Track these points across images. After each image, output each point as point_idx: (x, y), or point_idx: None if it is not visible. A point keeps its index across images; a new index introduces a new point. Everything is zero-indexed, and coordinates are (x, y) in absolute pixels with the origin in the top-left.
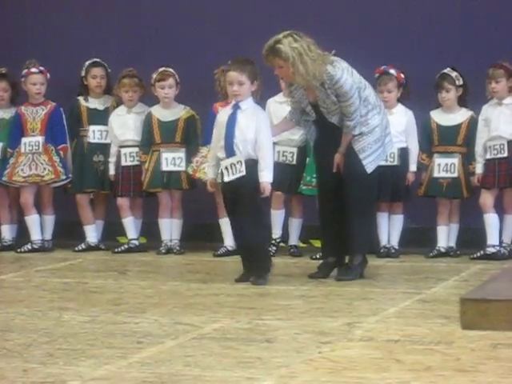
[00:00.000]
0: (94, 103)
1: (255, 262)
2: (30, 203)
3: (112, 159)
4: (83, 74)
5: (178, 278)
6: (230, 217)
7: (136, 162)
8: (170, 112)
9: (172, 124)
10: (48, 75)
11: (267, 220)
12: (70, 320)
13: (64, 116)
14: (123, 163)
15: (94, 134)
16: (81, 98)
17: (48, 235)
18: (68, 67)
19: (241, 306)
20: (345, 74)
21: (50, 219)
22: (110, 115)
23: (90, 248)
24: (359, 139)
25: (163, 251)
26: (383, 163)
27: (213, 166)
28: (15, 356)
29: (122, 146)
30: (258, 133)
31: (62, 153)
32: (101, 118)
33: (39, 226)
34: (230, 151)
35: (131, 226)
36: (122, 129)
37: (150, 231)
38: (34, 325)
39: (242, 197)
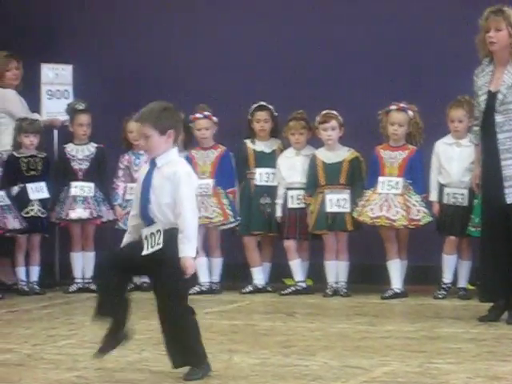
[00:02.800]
0: (261, 146)
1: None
2: (199, 246)
3: (279, 201)
4: (249, 117)
5: (345, 321)
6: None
7: (302, 205)
8: (335, 154)
9: (336, 166)
10: (214, 119)
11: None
12: (240, 362)
13: (233, 160)
14: (290, 205)
15: (261, 176)
16: (248, 141)
17: (216, 277)
18: (236, 111)
19: (410, 349)
20: None
21: (217, 261)
22: (276, 158)
23: (258, 290)
24: None
25: (330, 293)
26: None
27: (128, 233)
28: None
29: (289, 188)
30: (175, 194)
31: (231, 196)
32: (267, 160)
33: (207, 268)
34: (147, 218)
35: (298, 268)
36: (289, 171)
37: (316, 273)
38: None
39: (160, 275)
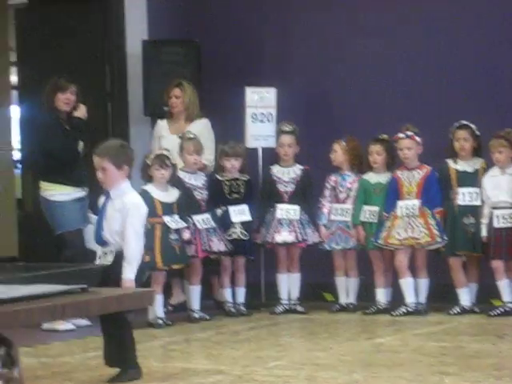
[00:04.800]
0: (463, 165)
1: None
2: (404, 266)
3: (485, 221)
4: (451, 136)
5: None
6: None
7: (509, 225)
8: None
9: None
10: (417, 139)
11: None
12: None
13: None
14: (495, 225)
15: (464, 196)
16: (450, 161)
17: (422, 298)
18: (438, 129)
19: None
20: None
21: (423, 282)
22: (479, 177)
23: (465, 311)
24: None
25: None
26: None
27: None
28: None
29: (494, 208)
30: (124, 223)
31: (437, 216)
32: (470, 179)
33: (413, 289)
34: (100, 242)
35: (507, 288)
36: (495, 190)
37: None
38: None
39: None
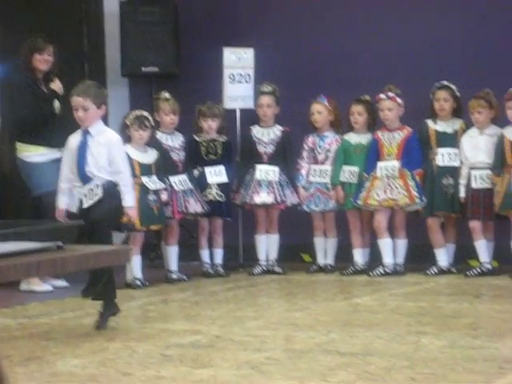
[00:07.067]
0: (443, 126)
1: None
2: (383, 227)
3: (463, 181)
4: (431, 96)
5: None
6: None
7: (487, 185)
8: None
9: None
10: (399, 100)
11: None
12: (428, 344)
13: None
14: (473, 186)
15: (444, 156)
16: (429, 121)
17: (400, 259)
18: (421, 91)
19: None
20: None
21: (402, 243)
22: (459, 138)
23: (442, 271)
24: None
25: None
26: None
27: (62, 194)
28: (377, 380)
29: (472, 168)
30: (111, 157)
31: (417, 177)
32: (449, 140)
33: (391, 249)
34: (84, 178)
35: (484, 248)
36: (473, 151)
37: (501, 255)
38: (393, 349)
39: (97, 219)
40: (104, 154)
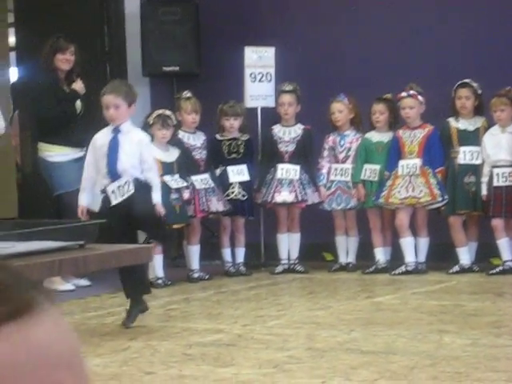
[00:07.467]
0: (465, 124)
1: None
2: (405, 225)
3: (484, 179)
4: (453, 95)
5: None
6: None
7: (509, 183)
8: None
9: None
10: (420, 98)
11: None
12: (450, 343)
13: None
14: (495, 183)
15: (465, 155)
16: (451, 119)
17: (422, 257)
18: (442, 89)
19: None
20: None
21: (424, 241)
22: (480, 136)
23: (464, 270)
24: None
25: None
26: None
27: (85, 192)
28: (399, 378)
29: (494, 166)
30: (142, 155)
31: (439, 175)
32: (471, 138)
33: (413, 248)
34: (114, 175)
35: (506, 246)
36: (495, 148)
37: None
38: (415, 347)
39: (141, 213)
40: (136, 153)
